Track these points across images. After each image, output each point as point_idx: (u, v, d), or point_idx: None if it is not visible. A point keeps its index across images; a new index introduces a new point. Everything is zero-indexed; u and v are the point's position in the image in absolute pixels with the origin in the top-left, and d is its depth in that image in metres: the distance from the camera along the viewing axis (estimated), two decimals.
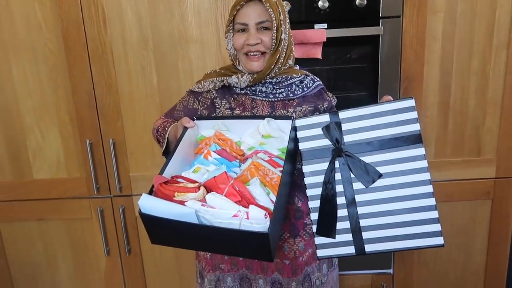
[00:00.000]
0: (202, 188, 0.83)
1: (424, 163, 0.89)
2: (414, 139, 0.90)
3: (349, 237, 0.92)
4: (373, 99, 1.54)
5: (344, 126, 0.93)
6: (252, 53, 1.05)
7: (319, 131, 0.94)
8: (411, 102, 0.90)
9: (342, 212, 0.93)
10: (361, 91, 1.55)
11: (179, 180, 0.88)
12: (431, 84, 1.52)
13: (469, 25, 1.47)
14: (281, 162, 0.91)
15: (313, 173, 0.94)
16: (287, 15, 1.08)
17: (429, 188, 0.89)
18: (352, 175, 0.92)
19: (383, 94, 1.50)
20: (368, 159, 0.91)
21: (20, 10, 1.47)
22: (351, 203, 0.92)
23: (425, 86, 1.52)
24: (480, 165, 1.59)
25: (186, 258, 1.70)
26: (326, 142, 0.93)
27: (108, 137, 1.57)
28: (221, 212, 0.79)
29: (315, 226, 0.94)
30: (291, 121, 0.95)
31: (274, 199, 0.83)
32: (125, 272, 1.73)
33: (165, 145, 1.07)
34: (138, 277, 1.73)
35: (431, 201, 0.89)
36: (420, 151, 0.89)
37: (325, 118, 0.94)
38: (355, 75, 1.54)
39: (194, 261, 1.25)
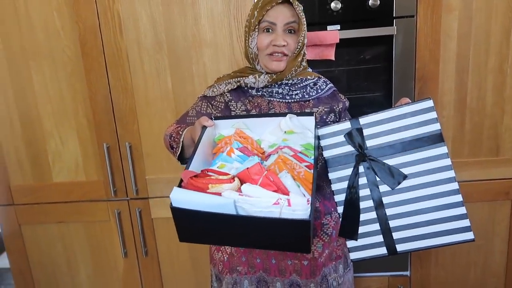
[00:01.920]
0: (236, 179, 0.81)
1: (447, 161, 0.90)
2: (436, 139, 0.91)
3: (380, 238, 0.94)
4: (388, 100, 1.52)
5: (366, 132, 0.94)
6: (276, 54, 1.06)
7: (341, 138, 0.96)
8: (429, 103, 0.92)
9: (371, 215, 0.94)
10: (375, 92, 1.55)
11: (209, 174, 0.85)
12: (447, 83, 1.50)
13: (485, 22, 1.45)
14: (306, 158, 0.90)
15: (340, 179, 0.97)
16: None
17: (454, 185, 0.90)
18: (378, 178, 0.94)
19: (398, 94, 1.50)
20: (391, 161, 0.93)
21: (39, 18, 1.51)
22: (379, 206, 0.94)
23: (440, 85, 1.50)
24: (499, 165, 1.56)
25: (202, 260, 1.72)
26: (349, 148, 0.96)
27: (125, 141, 1.60)
28: (261, 201, 0.76)
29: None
30: (313, 117, 0.96)
31: (304, 192, 0.81)
32: (142, 274, 1.75)
33: (180, 149, 1.05)
34: (155, 279, 1.75)
35: (458, 198, 0.90)
36: (443, 149, 0.91)
37: (346, 125, 0.96)
38: (369, 76, 1.53)
39: (209, 264, 1.26)
